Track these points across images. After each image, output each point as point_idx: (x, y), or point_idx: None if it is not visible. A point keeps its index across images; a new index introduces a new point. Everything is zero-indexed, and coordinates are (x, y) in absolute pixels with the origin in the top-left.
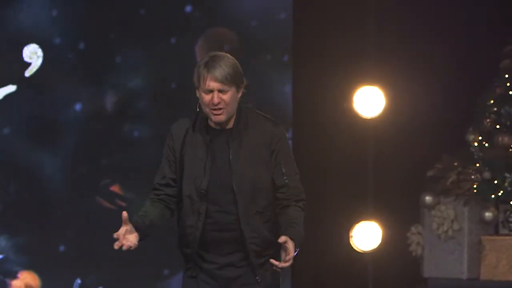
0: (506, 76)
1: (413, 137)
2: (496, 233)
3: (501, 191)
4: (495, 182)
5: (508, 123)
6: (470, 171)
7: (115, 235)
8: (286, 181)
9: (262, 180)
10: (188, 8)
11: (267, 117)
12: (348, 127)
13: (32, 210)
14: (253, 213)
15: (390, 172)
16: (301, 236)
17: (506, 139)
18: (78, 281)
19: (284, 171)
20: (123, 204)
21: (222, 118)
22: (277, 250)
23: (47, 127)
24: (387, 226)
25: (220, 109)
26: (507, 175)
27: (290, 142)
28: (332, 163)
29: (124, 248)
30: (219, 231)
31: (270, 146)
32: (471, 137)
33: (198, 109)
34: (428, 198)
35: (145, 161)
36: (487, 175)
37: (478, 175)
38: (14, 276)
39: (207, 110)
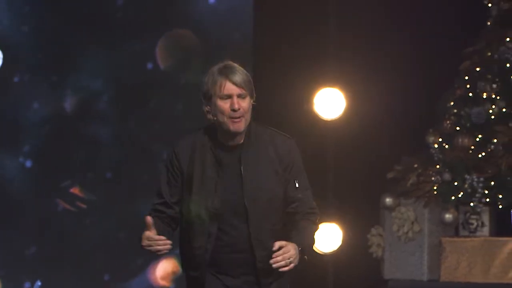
0: (466, 77)
1: (373, 138)
2: (456, 234)
3: (461, 193)
4: (455, 183)
5: (468, 124)
6: (430, 172)
7: (145, 243)
8: (299, 195)
9: (274, 196)
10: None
11: (277, 131)
12: (309, 129)
13: None
14: (265, 230)
15: (350, 174)
16: (307, 243)
17: (466, 140)
18: (38, 283)
19: (297, 185)
20: (84, 206)
21: (241, 126)
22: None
23: (6, 128)
24: (348, 228)
25: (239, 117)
26: (467, 176)
27: None
28: None
29: (164, 251)
30: (230, 251)
31: (282, 160)
32: (431, 138)
33: (205, 125)
34: (388, 200)
35: (105, 163)
36: (447, 176)
37: (438, 176)
38: None
39: (224, 119)
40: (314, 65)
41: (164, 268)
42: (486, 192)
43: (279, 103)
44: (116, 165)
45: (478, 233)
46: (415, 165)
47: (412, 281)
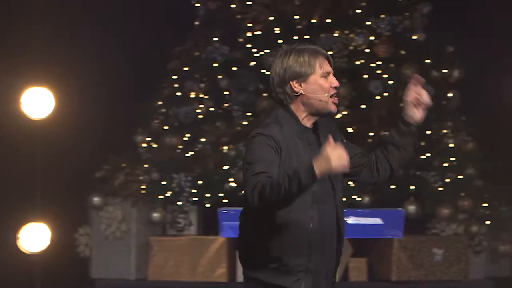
0: (174, 77)
1: (82, 138)
2: (164, 233)
3: (169, 192)
4: (163, 182)
5: (176, 124)
6: (138, 172)
7: None
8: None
9: (341, 175)
10: None
11: None
12: (16, 129)
13: None
14: (343, 212)
15: (59, 174)
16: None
17: (174, 140)
18: None
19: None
20: None
21: (336, 108)
22: None
23: None
24: (56, 228)
25: (336, 96)
26: (175, 175)
27: None
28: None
29: None
30: (324, 237)
31: (339, 138)
32: (139, 138)
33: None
34: (96, 199)
35: None
36: (155, 175)
37: (146, 176)
38: None
39: (324, 98)
40: (22, 64)
41: None
42: (194, 191)
43: None
44: None
45: (185, 232)
46: (123, 165)
47: (120, 280)
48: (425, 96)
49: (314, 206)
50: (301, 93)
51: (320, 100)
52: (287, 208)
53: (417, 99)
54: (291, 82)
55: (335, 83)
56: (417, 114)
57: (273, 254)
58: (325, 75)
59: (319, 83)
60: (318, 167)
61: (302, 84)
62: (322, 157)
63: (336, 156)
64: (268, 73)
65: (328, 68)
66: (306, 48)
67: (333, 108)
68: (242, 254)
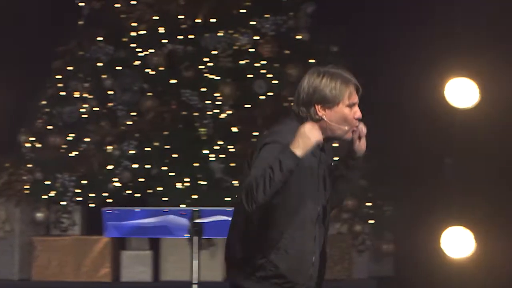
0: (58, 76)
1: None
2: (48, 233)
3: (53, 192)
4: (47, 182)
5: (61, 123)
6: (22, 172)
7: None
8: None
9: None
10: None
11: None
12: None
13: None
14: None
15: None
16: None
17: (58, 139)
18: None
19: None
20: None
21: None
22: None
23: None
24: None
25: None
26: (58, 175)
27: None
28: None
29: None
30: (320, 253)
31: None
32: (23, 137)
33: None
34: None
35: None
36: (39, 175)
37: (30, 175)
38: None
39: (346, 127)
40: None
41: None
42: (78, 191)
43: None
44: None
45: (69, 232)
46: (7, 164)
47: (3, 281)
48: (362, 128)
49: (316, 227)
50: (323, 119)
51: (340, 129)
52: (294, 226)
53: (358, 134)
54: (316, 105)
55: (359, 115)
56: (361, 146)
57: (278, 270)
58: (351, 105)
59: (344, 113)
60: (296, 146)
61: (326, 110)
62: (298, 136)
63: (309, 130)
64: (152, 72)
65: (355, 99)
66: (340, 74)
67: (349, 136)
68: (238, 265)
